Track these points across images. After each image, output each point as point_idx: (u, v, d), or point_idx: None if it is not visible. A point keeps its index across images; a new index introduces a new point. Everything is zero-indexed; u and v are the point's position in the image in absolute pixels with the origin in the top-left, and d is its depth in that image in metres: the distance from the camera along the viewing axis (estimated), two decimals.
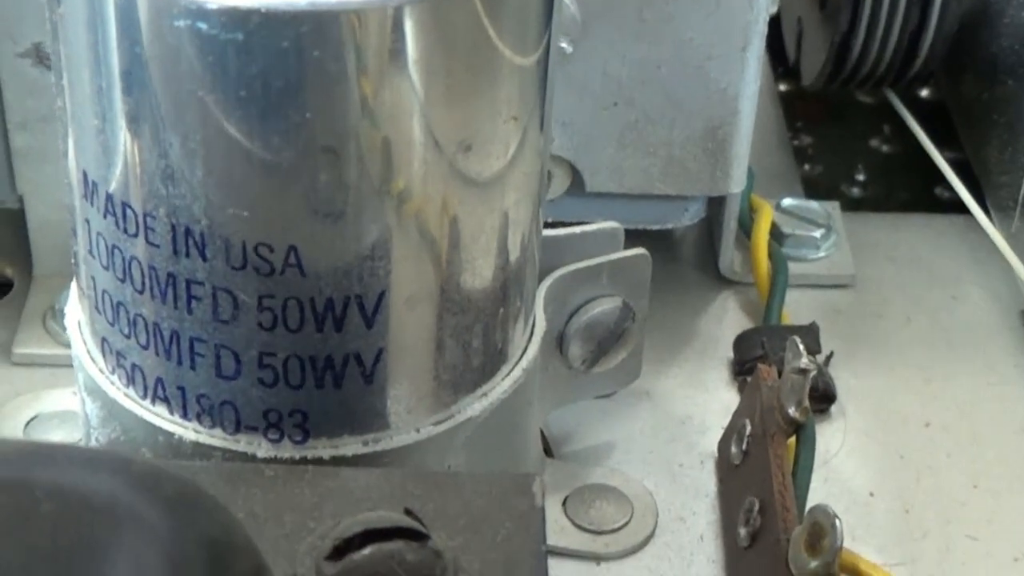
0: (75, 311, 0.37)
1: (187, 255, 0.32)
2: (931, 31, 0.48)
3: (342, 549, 0.28)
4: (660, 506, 0.40)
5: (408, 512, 0.29)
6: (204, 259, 0.32)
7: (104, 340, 0.35)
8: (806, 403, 0.38)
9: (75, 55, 0.32)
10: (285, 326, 0.33)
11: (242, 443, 0.34)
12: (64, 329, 0.43)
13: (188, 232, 0.32)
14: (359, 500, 0.30)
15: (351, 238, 0.32)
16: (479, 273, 0.34)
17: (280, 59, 0.29)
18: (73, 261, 0.36)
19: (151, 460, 0.30)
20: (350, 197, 0.31)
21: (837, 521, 0.34)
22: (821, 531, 0.34)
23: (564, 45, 0.41)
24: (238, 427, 0.34)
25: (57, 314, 0.44)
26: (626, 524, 0.40)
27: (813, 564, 0.34)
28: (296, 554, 0.29)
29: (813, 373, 0.38)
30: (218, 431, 0.34)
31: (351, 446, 0.34)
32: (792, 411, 0.38)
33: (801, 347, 0.38)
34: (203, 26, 0.29)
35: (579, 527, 0.40)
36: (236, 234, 0.31)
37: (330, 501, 0.30)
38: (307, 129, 0.30)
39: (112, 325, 0.34)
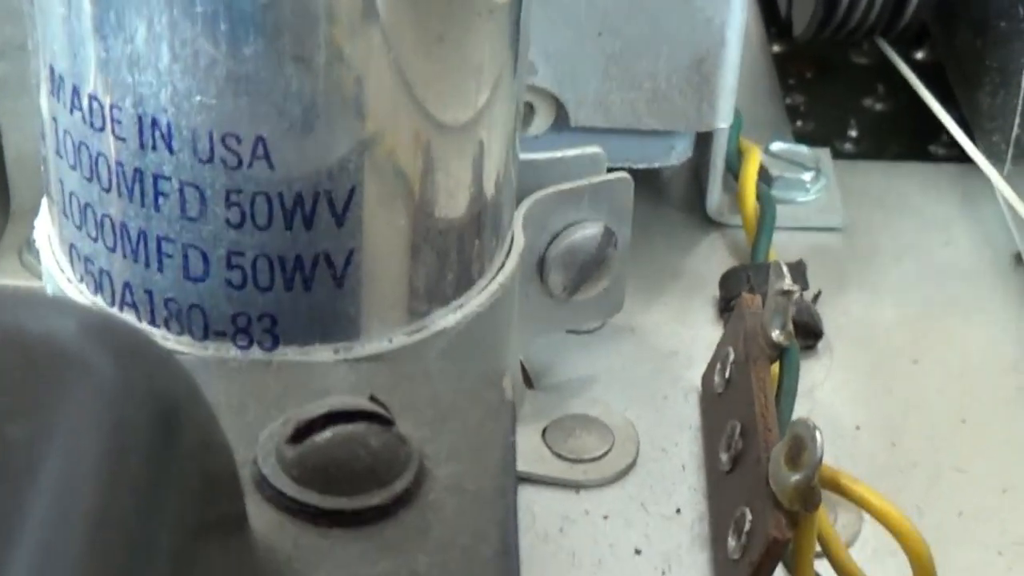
0: (44, 223, 0.36)
1: (154, 148, 0.31)
2: None
3: (303, 431, 0.28)
4: (642, 437, 0.40)
5: (373, 399, 0.29)
6: (171, 151, 0.31)
7: (72, 247, 0.34)
8: (789, 326, 0.37)
9: None
10: (253, 223, 0.32)
11: (211, 349, 0.33)
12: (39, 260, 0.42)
13: (155, 123, 0.31)
14: (325, 390, 0.30)
15: (321, 134, 0.31)
16: (454, 179, 0.34)
17: None
18: (42, 168, 0.35)
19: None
20: (319, 94, 0.31)
21: (817, 433, 0.33)
22: (801, 445, 0.33)
23: None
24: (207, 332, 0.33)
25: (32, 247, 0.43)
26: (607, 453, 0.39)
27: (794, 478, 0.33)
28: (258, 440, 0.28)
29: (796, 295, 0.37)
30: (186, 337, 0.33)
31: (321, 353, 0.33)
32: (775, 335, 0.37)
33: (785, 269, 0.37)
34: None
35: (559, 456, 0.39)
36: (203, 124, 0.31)
37: (296, 392, 0.30)
38: (273, 16, 0.30)
39: (79, 229, 0.34)
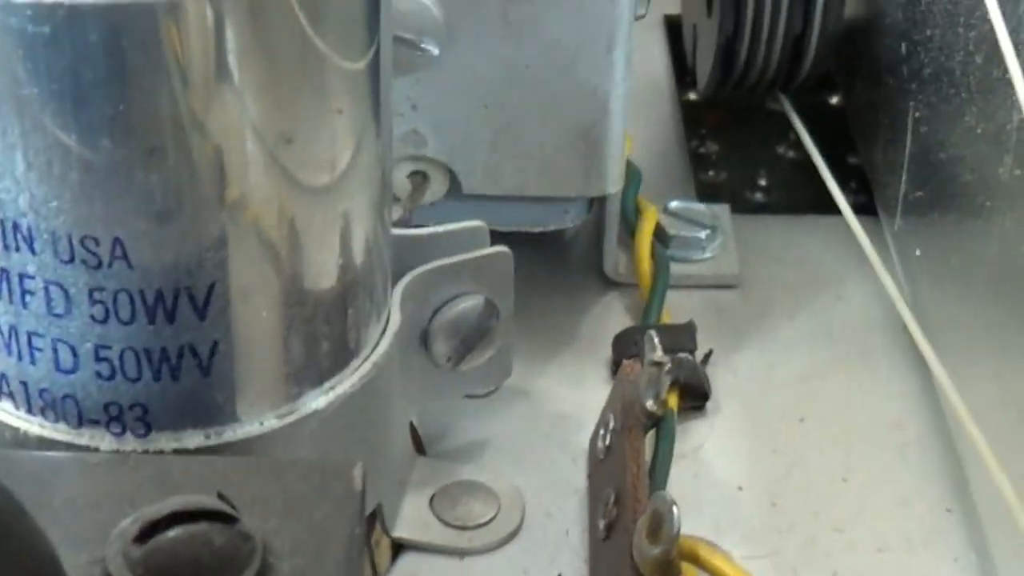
0: None
1: (16, 249, 0.32)
2: (815, 32, 0.49)
3: (148, 531, 0.29)
4: (529, 502, 0.40)
5: (220, 496, 0.30)
6: (33, 253, 0.32)
7: None
8: (663, 395, 0.38)
9: None
10: (117, 318, 0.33)
11: (85, 437, 0.34)
12: None
13: (16, 226, 0.32)
14: (177, 486, 0.31)
15: (177, 232, 0.32)
16: (319, 268, 0.35)
17: (89, 52, 0.30)
18: None
19: None
20: (174, 189, 0.32)
21: (674, 507, 0.34)
22: (660, 519, 0.34)
23: (430, 47, 0.42)
24: (80, 421, 0.34)
25: None
26: (492, 519, 0.40)
27: (654, 551, 0.34)
28: (108, 538, 0.29)
29: (668, 366, 0.38)
30: (62, 425, 0.34)
31: (194, 439, 0.35)
32: (650, 404, 0.38)
33: (656, 340, 0.38)
34: (12, 20, 0.30)
35: (445, 523, 0.40)
36: (61, 227, 0.32)
37: (149, 487, 0.31)
38: (121, 124, 0.31)
39: None
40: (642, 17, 0.43)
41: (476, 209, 0.44)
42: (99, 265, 0.32)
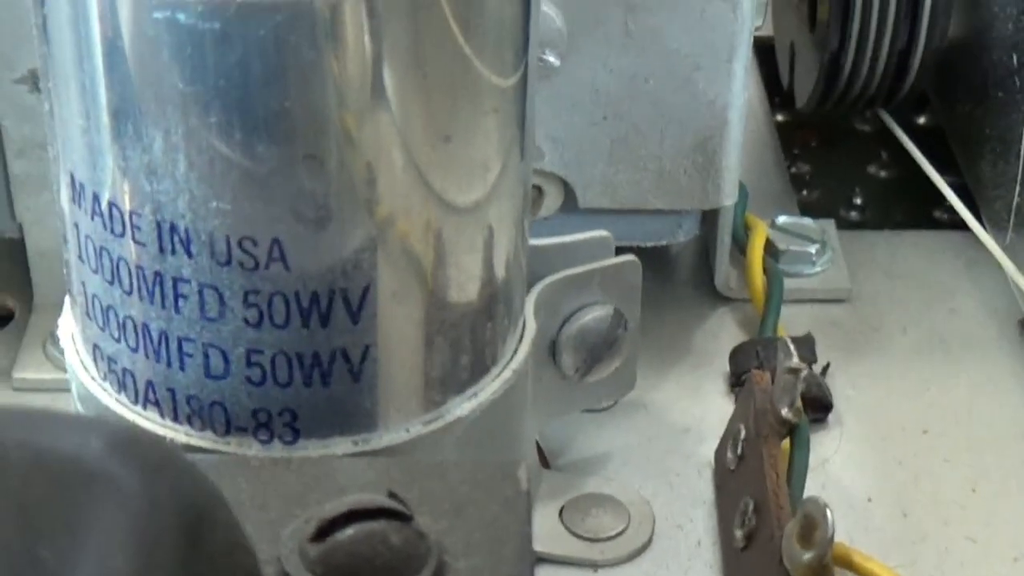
0: (68, 322, 0.37)
1: (172, 252, 0.32)
2: (920, 47, 0.49)
3: (325, 530, 0.28)
4: (657, 514, 0.40)
5: (392, 495, 0.29)
6: (189, 255, 0.32)
7: (95, 346, 0.35)
8: (798, 403, 0.38)
9: (60, 55, 0.32)
10: (271, 322, 0.33)
11: (232, 445, 0.34)
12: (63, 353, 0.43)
13: (173, 228, 0.32)
14: (344, 487, 0.30)
15: (335, 233, 0.32)
16: (466, 276, 0.34)
17: (258, 48, 0.30)
18: (65, 270, 0.36)
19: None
20: (331, 192, 0.32)
21: (828, 511, 0.34)
22: (813, 523, 0.34)
23: (551, 59, 0.41)
24: (228, 428, 0.34)
25: (56, 340, 0.44)
26: (623, 531, 0.40)
27: (806, 556, 0.34)
28: (280, 537, 0.29)
29: (804, 372, 0.38)
30: (208, 433, 0.34)
31: (341, 446, 0.34)
32: (785, 411, 0.38)
33: (792, 347, 0.38)
34: (181, 17, 0.30)
35: (576, 535, 0.40)
36: (220, 229, 0.32)
37: (316, 488, 0.30)
38: (284, 123, 0.31)
39: (103, 330, 0.35)
40: (759, 28, 0.43)
41: (589, 223, 0.44)
42: (256, 267, 0.32)
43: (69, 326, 0.37)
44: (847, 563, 0.35)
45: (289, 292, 0.32)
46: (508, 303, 0.36)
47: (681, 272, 0.48)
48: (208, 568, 0.23)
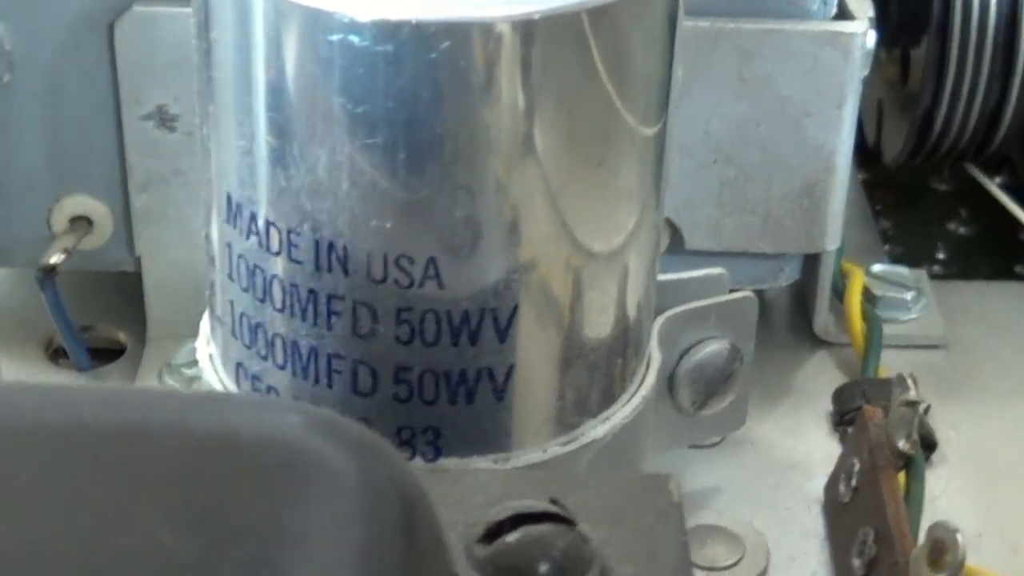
0: (204, 345, 0.38)
1: (329, 270, 0.33)
2: (1012, 104, 0.50)
3: (493, 533, 0.29)
4: (771, 546, 0.41)
5: (554, 502, 0.30)
6: (346, 273, 0.33)
7: (239, 365, 0.36)
8: (915, 436, 0.39)
9: (223, 78, 0.33)
10: (422, 339, 0.34)
11: None
12: (181, 382, 0.44)
13: (331, 247, 0.33)
14: (503, 495, 0.31)
15: (489, 253, 0.33)
16: (604, 299, 0.35)
17: (428, 70, 0.31)
18: (208, 292, 0.37)
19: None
20: (482, 222, 0.33)
21: (959, 535, 0.34)
22: (943, 547, 0.35)
23: None
24: None
25: (173, 370, 0.45)
26: (739, 561, 0.40)
27: None
28: (448, 542, 0.30)
29: (924, 405, 0.39)
30: None
31: (480, 464, 0.35)
32: (902, 444, 0.39)
33: (910, 381, 0.39)
34: (355, 39, 0.31)
35: (694, 565, 0.40)
36: (378, 247, 0.33)
37: (475, 495, 0.31)
38: (447, 146, 0.32)
39: (249, 348, 0.35)
40: (866, 75, 0.44)
41: (694, 264, 0.45)
42: (411, 285, 0.33)
43: (206, 348, 0.38)
44: None
45: (441, 310, 0.33)
46: (638, 335, 0.37)
47: (778, 317, 0.49)
48: (421, 563, 0.23)
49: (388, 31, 0.31)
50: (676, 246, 0.45)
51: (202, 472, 0.22)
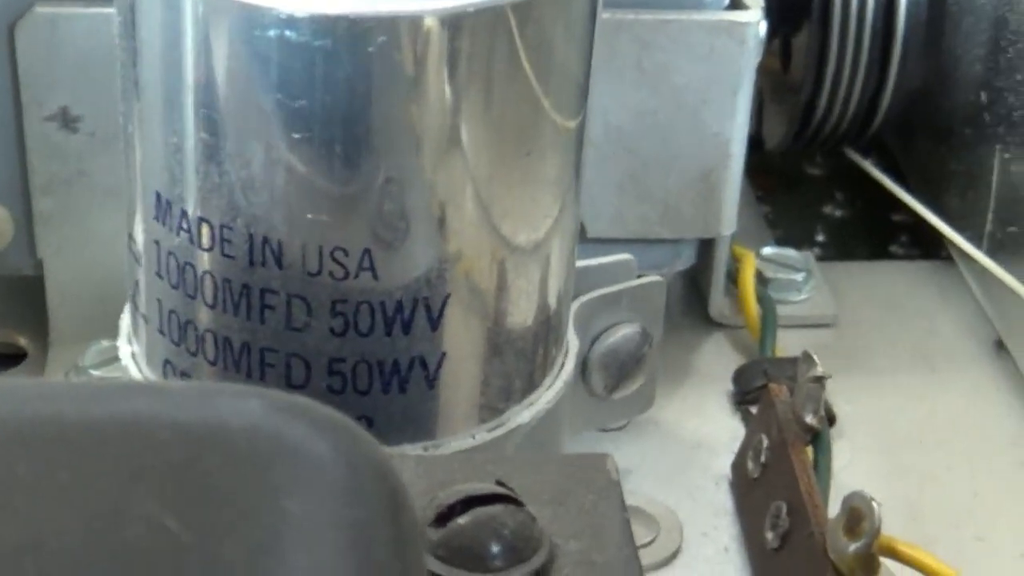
0: (126, 344, 0.38)
1: (263, 264, 0.34)
2: (889, 90, 0.52)
3: (444, 516, 0.30)
4: (683, 523, 0.42)
5: (500, 484, 0.31)
6: (280, 267, 0.34)
7: (167, 362, 0.36)
8: (822, 411, 0.40)
9: (152, 77, 0.33)
10: (356, 331, 0.34)
11: None
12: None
13: (266, 241, 0.33)
14: (449, 479, 0.32)
15: (422, 244, 0.34)
16: (526, 294, 0.36)
17: (364, 64, 0.31)
18: (132, 290, 0.37)
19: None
20: (418, 207, 0.33)
21: (875, 503, 0.36)
22: (859, 515, 0.36)
23: None
24: None
25: (81, 372, 0.45)
26: (654, 540, 0.42)
27: (853, 547, 0.36)
28: None
29: (829, 378, 0.40)
30: None
31: (412, 451, 0.36)
32: (809, 419, 0.40)
33: (815, 358, 0.40)
34: (292, 35, 0.31)
35: None
36: (313, 240, 0.33)
37: (422, 479, 0.32)
38: (383, 134, 0.32)
39: (178, 345, 0.36)
40: (759, 62, 0.45)
41: (594, 252, 0.46)
42: (345, 277, 0.34)
43: (128, 347, 0.38)
44: (891, 551, 0.37)
45: (375, 301, 0.34)
46: (559, 322, 0.38)
47: (674, 301, 0.51)
48: (408, 543, 0.24)
49: (325, 26, 0.31)
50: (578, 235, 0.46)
51: (196, 462, 0.22)
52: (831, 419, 0.45)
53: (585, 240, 0.46)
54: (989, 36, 0.48)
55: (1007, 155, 0.47)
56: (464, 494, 0.30)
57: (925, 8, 0.50)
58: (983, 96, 0.49)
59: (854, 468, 0.44)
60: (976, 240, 0.50)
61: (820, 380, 0.40)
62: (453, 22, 0.32)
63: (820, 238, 0.57)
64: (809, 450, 0.41)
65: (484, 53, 0.33)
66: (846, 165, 0.57)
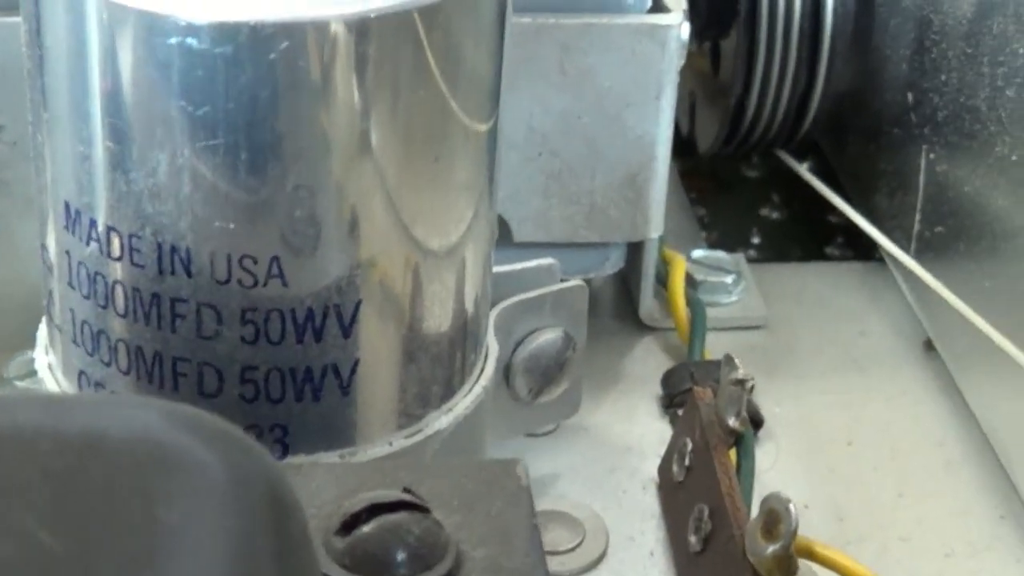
0: (43, 355, 0.38)
1: (172, 273, 0.33)
2: (818, 91, 0.52)
3: (349, 524, 0.30)
4: (609, 528, 0.42)
5: (407, 491, 0.31)
6: (189, 275, 0.33)
7: (82, 373, 0.36)
8: (744, 413, 0.40)
9: (59, 85, 0.33)
10: (267, 339, 0.34)
11: None
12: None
13: (174, 249, 0.33)
14: (356, 487, 0.32)
15: (331, 252, 0.33)
16: (445, 292, 0.36)
17: (267, 71, 0.31)
18: (46, 301, 0.37)
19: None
20: (326, 215, 0.33)
21: (791, 506, 0.36)
22: (776, 517, 0.36)
23: None
24: None
25: (5, 382, 0.44)
26: (579, 544, 0.41)
27: (771, 549, 0.36)
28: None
29: (751, 383, 0.40)
30: None
31: (328, 459, 0.36)
32: (732, 422, 0.40)
33: (737, 361, 0.40)
34: (193, 42, 0.31)
35: None
36: (221, 248, 0.33)
37: (329, 489, 0.32)
38: (290, 140, 0.32)
39: (91, 355, 0.35)
40: (681, 66, 0.45)
41: (522, 257, 0.46)
42: (255, 284, 0.33)
43: (45, 358, 0.38)
44: (808, 553, 0.37)
45: (286, 308, 0.34)
46: (477, 327, 0.38)
47: (603, 305, 0.51)
48: (293, 555, 0.24)
49: (226, 33, 0.31)
50: (505, 239, 0.46)
51: (75, 472, 0.22)
52: (758, 422, 0.45)
53: (512, 244, 0.46)
54: (914, 37, 0.48)
55: (932, 155, 0.48)
56: (369, 502, 0.30)
57: (852, 10, 0.50)
58: (910, 97, 0.49)
59: (780, 470, 0.44)
60: (905, 241, 0.50)
61: (742, 383, 0.40)
62: (358, 27, 0.32)
63: (756, 240, 0.57)
64: (733, 453, 0.41)
65: (390, 59, 0.32)
66: (781, 167, 0.58)
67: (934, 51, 0.47)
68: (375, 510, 0.30)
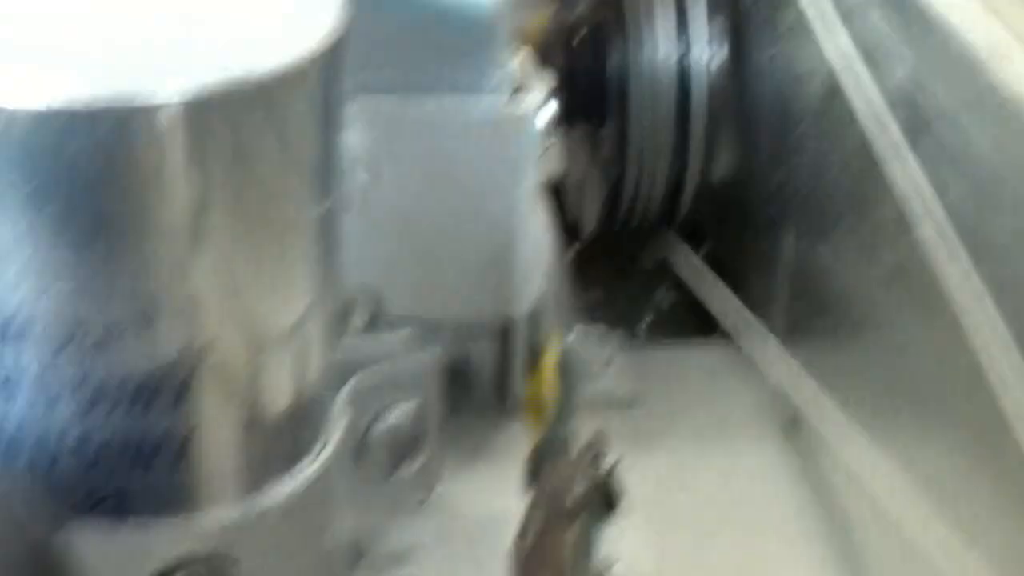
0: None
1: (6, 341, 0.34)
2: (690, 174, 0.53)
3: None
4: None
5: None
6: (24, 343, 0.34)
7: None
8: (593, 487, 0.42)
9: None
10: (101, 408, 0.35)
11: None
12: None
13: (12, 318, 0.34)
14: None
15: (164, 326, 0.35)
16: (280, 377, 0.37)
17: (92, 155, 0.32)
18: None
19: None
20: (155, 293, 0.34)
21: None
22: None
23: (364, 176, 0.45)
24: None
25: None
26: None
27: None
28: None
29: (607, 458, 0.42)
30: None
31: (163, 526, 0.36)
32: (579, 493, 0.42)
33: (596, 437, 0.42)
34: (17, 132, 0.32)
35: None
36: (57, 316, 0.34)
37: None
38: (119, 222, 0.33)
39: None
40: (546, 149, 0.47)
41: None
42: (89, 354, 0.34)
43: None
44: None
45: (120, 379, 0.35)
46: (319, 401, 0.39)
47: (476, 382, 0.52)
48: None
49: (46, 118, 0.32)
50: (375, 316, 0.47)
51: None
52: (615, 496, 0.46)
53: (383, 319, 0.48)
54: (779, 117, 0.50)
55: (795, 237, 0.49)
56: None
57: (719, 96, 0.52)
58: (777, 177, 0.51)
59: (639, 541, 0.45)
60: (775, 321, 0.51)
61: (596, 458, 0.41)
62: (187, 112, 0.33)
63: (646, 322, 0.58)
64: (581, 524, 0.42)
65: (215, 142, 0.34)
66: (674, 252, 0.59)
67: (795, 132, 0.49)
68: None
